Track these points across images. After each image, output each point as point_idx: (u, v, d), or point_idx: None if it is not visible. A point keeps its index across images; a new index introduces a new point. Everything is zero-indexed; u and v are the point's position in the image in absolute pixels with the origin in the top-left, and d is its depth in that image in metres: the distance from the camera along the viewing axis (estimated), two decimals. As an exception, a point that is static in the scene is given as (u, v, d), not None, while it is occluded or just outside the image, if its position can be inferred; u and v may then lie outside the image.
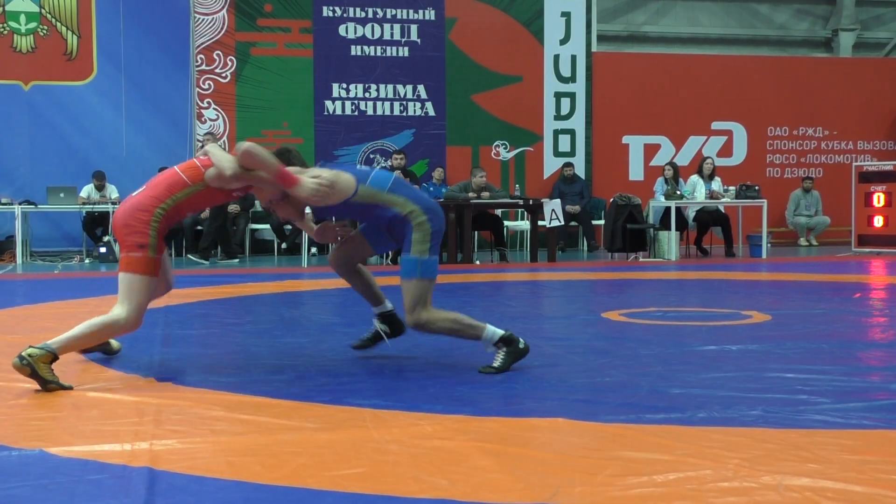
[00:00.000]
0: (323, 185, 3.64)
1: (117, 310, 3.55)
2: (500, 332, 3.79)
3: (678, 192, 11.24)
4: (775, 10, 16.36)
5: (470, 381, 3.51)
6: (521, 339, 3.82)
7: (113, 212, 11.08)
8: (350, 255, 4.04)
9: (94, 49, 12.24)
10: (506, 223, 11.95)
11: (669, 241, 10.90)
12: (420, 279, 3.73)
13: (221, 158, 3.65)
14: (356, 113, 12.95)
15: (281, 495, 2.17)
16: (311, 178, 3.67)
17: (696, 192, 11.48)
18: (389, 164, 11.41)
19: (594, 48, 13.83)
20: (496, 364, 3.74)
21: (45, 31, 12.14)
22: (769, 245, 11.72)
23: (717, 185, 11.64)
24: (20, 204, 10.95)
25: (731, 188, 11.54)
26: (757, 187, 11.38)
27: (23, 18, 12.09)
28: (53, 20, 12.15)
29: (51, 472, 2.34)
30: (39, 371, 3.33)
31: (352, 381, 3.51)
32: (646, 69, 14.11)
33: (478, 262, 10.48)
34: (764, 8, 16.31)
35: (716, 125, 14.24)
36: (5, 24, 12.04)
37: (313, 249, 11.97)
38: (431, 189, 12.20)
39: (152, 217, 3.57)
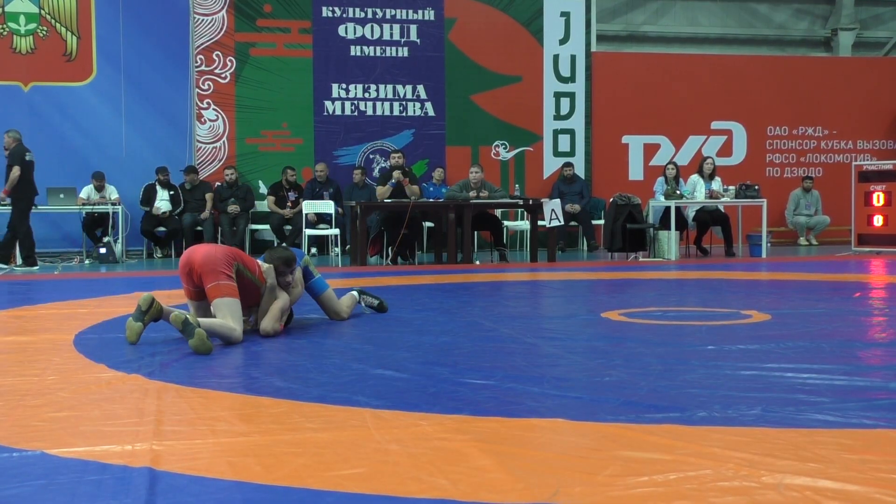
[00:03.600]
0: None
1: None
2: None
3: (678, 192, 11.23)
4: (774, 9, 16.37)
5: (470, 381, 3.51)
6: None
7: (112, 213, 11.17)
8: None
9: (94, 50, 12.24)
10: (505, 223, 11.94)
11: (669, 241, 10.90)
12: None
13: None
14: (356, 113, 12.95)
15: (281, 495, 2.17)
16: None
17: (696, 191, 11.48)
18: (389, 163, 11.41)
19: (594, 48, 13.83)
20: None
21: (44, 32, 12.14)
22: (769, 245, 11.73)
23: (717, 184, 11.63)
24: (20, 205, 10.93)
25: (731, 188, 11.53)
26: (757, 187, 11.37)
27: (22, 19, 12.09)
28: (53, 21, 12.15)
29: (51, 473, 2.34)
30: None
31: (352, 381, 3.51)
32: (645, 69, 14.11)
33: (478, 262, 10.47)
34: (763, 7, 16.32)
35: (715, 125, 14.24)
36: (5, 25, 12.04)
37: (313, 250, 11.98)
38: (431, 189, 12.21)
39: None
